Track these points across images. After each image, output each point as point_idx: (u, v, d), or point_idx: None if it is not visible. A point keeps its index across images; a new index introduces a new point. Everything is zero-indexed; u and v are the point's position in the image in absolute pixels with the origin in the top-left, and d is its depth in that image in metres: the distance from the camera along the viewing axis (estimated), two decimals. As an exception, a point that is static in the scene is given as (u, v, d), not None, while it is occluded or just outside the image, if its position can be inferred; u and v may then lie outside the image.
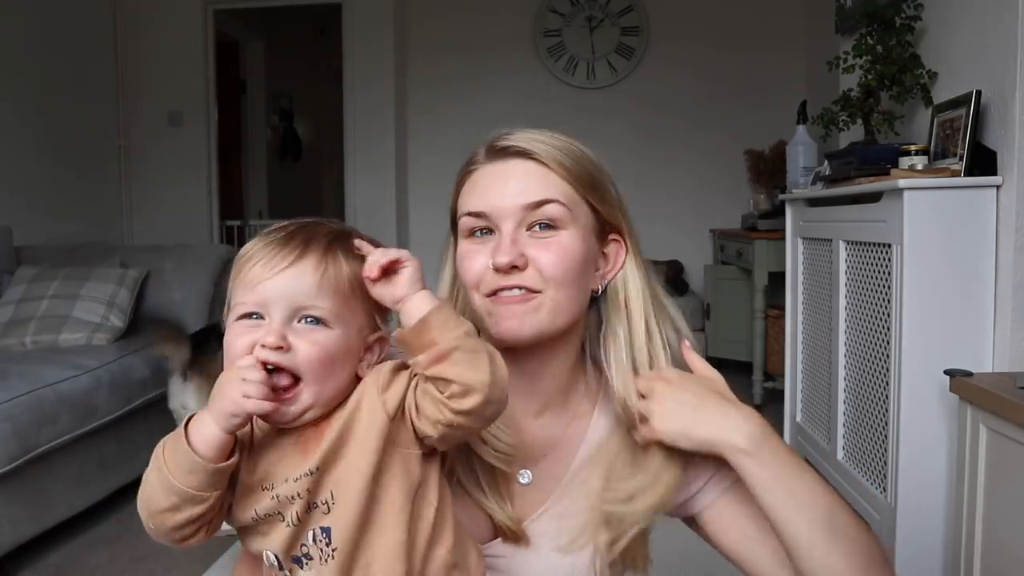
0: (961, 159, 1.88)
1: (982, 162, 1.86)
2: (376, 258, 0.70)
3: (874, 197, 2.02)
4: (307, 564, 0.68)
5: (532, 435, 0.86)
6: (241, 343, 0.68)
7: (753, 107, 4.39)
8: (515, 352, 0.81)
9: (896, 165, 2.02)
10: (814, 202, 2.56)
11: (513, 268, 0.78)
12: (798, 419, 2.72)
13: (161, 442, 0.69)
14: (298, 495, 0.67)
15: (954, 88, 2.07)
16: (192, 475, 0.65)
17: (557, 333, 0.82)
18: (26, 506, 1.98)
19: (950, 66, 2.14)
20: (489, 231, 0.82)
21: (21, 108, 3.50)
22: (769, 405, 3.41)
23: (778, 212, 3.39)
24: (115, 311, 2.63)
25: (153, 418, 2.56)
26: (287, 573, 0.69)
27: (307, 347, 0.68)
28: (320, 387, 0.68)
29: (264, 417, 0.67)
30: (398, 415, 0.69)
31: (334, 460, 0.68)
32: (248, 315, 0.69)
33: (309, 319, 0.69)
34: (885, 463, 1.97)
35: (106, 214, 4.24)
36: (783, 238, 2.84)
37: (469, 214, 0.83)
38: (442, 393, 0.66)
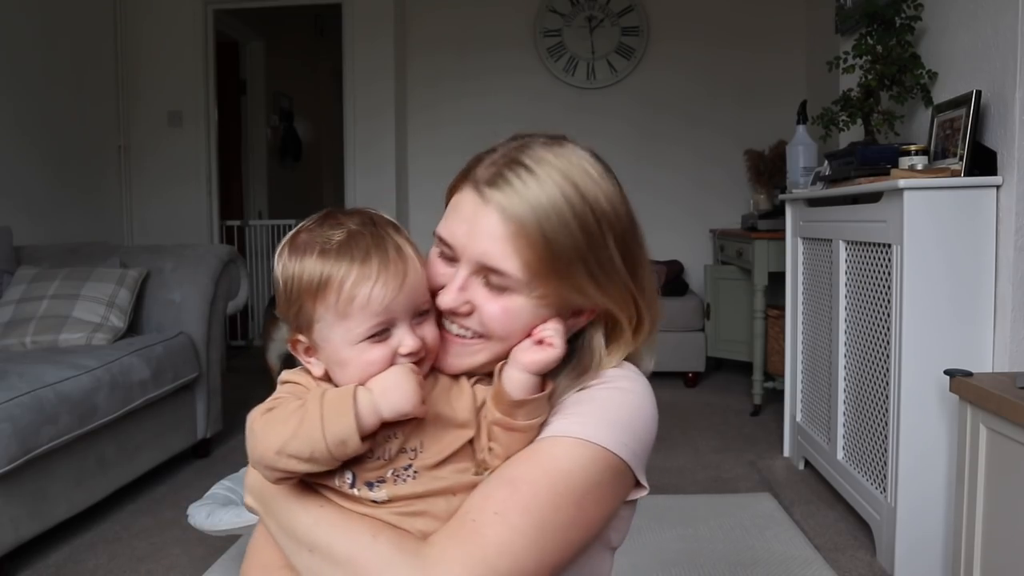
0: (961, 159, 1.88)
1: (982, 162, 1.86)
2: (538, 333, 0.75)
3: (874, 197, 2.02)
4: (378, 486, 0.73)
5: None
6: (380, 356, 0.73)
7: (753, 107, 4.40)
8: None
9: (896, 165, 2.02)
10: (814, 202, 2.56)
11: (452, 312, 0.77)
12: (798, 419, 2.72)
13: (318, 395, 0.70)
14: (395, 435, 0.73)
15: (954, 88, 2.07)
16: (343, 446, 0.68)
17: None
18: (26, 506, 1.98)
19: (950, 66, 2.14)
20: (452, 258, 0.78)
21: (21, 108, 3.51)
22: (769, 405, 3.41)
23: (778, 212, 3.39)
24: (115, 311, 2.63)
25: (153, 418, 2.56)
26: (357, 490, 0.73)
27: (432, 333, 0.76)
28: (435, 357, 0.77)
29: None
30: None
31: (432, 421, 0.74)
32: (377, 333, 0.73)
33: (423, 313, 0.76)
34: (885, 463, 1.97)
35: (106, 214, 4.24)
36: (783, 238, 2.84)
37: (438, 236, 0.79)
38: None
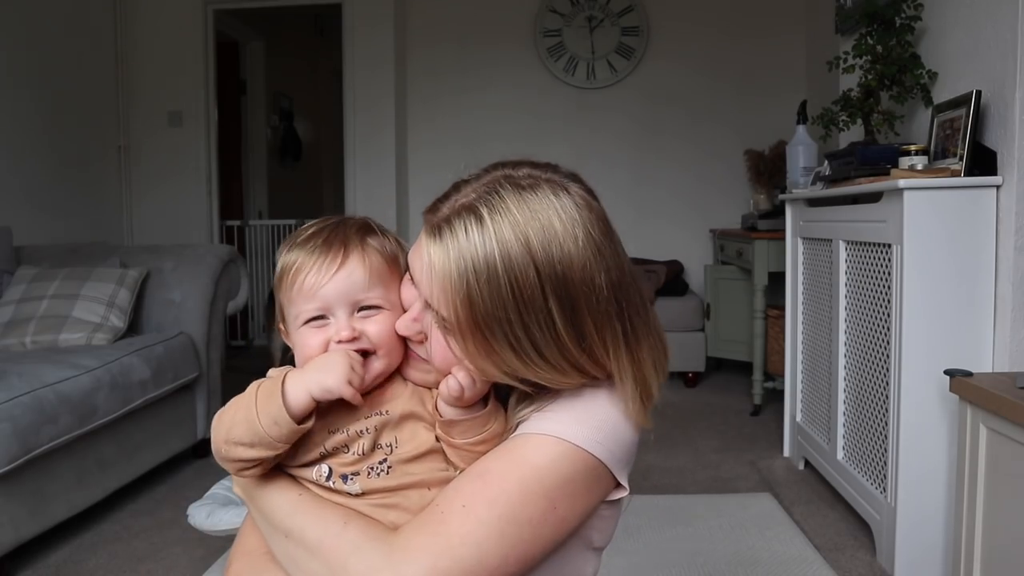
0: (961, 159, 1.88)
1: (982, 162, 1.86)
2: (467, 389, 0.75)
3: (874, 197, 2.02)
4: (352, 479, 0.76)
5: None
6: (315, 342, 0.78)
7: (753, 107, 4.40)
8: None
9: (896, 165, 2.02)
10: (814, 202, 2.56)
11: (408, 339, 0.82)
12: (798, 419, 2.72)
13: (257, 383, 0.76)
14: (367, 430, 0.76)
15: (954, 88, 2.07)
16: (276, 427, 0.72)
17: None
18: (26, 506, 1.98)
19: (950, 66, 2.14)
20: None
21: (21, 108, 3.51)
22: (769, 405, 3.41)
23: (778, 212, 3.39)
24: (115, 311, 2.63)
25: (153, 418, 2.56)
26: (332, 483, 0.76)
27: (374, 329, 0.78)
28: (389, 358, 0.79)
29: None
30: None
31: (405, 419, 0.78)
32: (314, 318, 0.79)
33: (368, 307, 0.79)
34: (885, 463, 1.97)
35: (106, 214, 4.24)
36: (783, 238, 2.84)
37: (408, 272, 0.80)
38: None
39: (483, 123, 4.48)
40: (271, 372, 0.80)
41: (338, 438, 0.76)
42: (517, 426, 0.76)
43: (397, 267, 0.82)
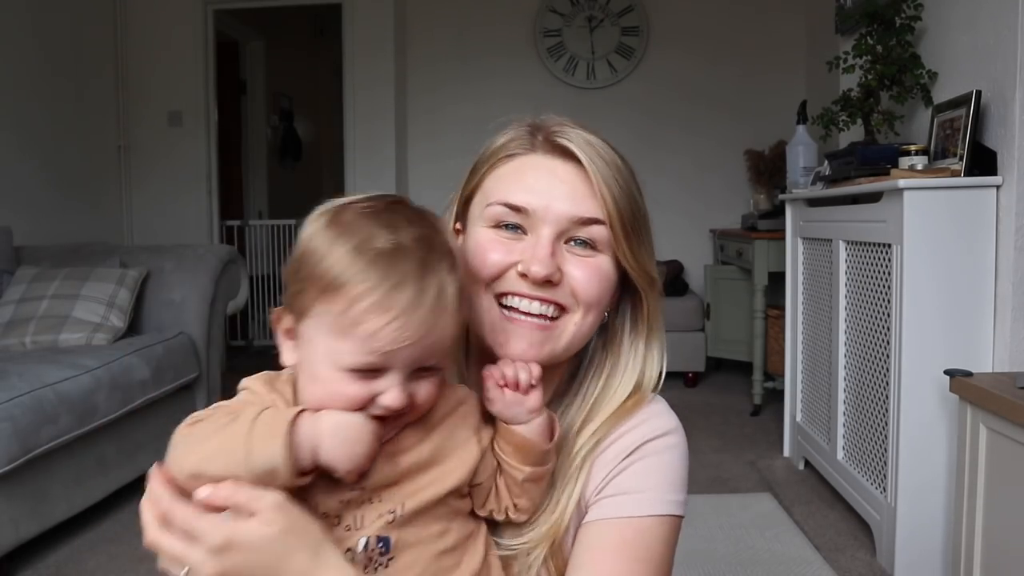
0: (961, 159, 1.88)
1: (982, 162, 1.86)
2: (524, 380, 0.70)
3: (874, 197, 2.02)
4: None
5: None
6: (354, 393, 0.61)
7: (753, 107, 4.40)
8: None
9: (896, 165, 2.02)
10: (814, 202, 2.56)
11: (547, 282, 0.71)
12: (798, 419, 2.72)
13: (256, 411, 0.60)
14: (362, 521, 0.65)
15: (954, 88, 2.07)
16: (270, 476, 0.58)
17: (564, 360, 0.78)
18: (26, 506, 1.98)
19: (950, 66, 2.14)
20: (518, 228, 0.74)
21: (21, 109, 3.50)
22: (769, 405, 3.41)
23: (778, 212, 3.39)
24: (115, 311, 2.63)
25: (153, 418, 2.56)
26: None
27: (425, 393, 0.65)
28: (421, 413, 0.67)
29: None
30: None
31: (419, 471, 0.67)
32: (363, 370, 0.61)
33: (427, 368, 0.64)
34: (885, 463, 1.97)
35: (106, 214, 4.24)
36: (783, 238, 2.84)
37: (506, 205, 0.73)
38: (513, 500, 0.72)
39: (482, 122, 4.44)
40: (247, 381, 0.67)
41: (358, 493, 0.64)
42: (577, 447, 0.76)
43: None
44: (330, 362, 0.61)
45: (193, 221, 4.47)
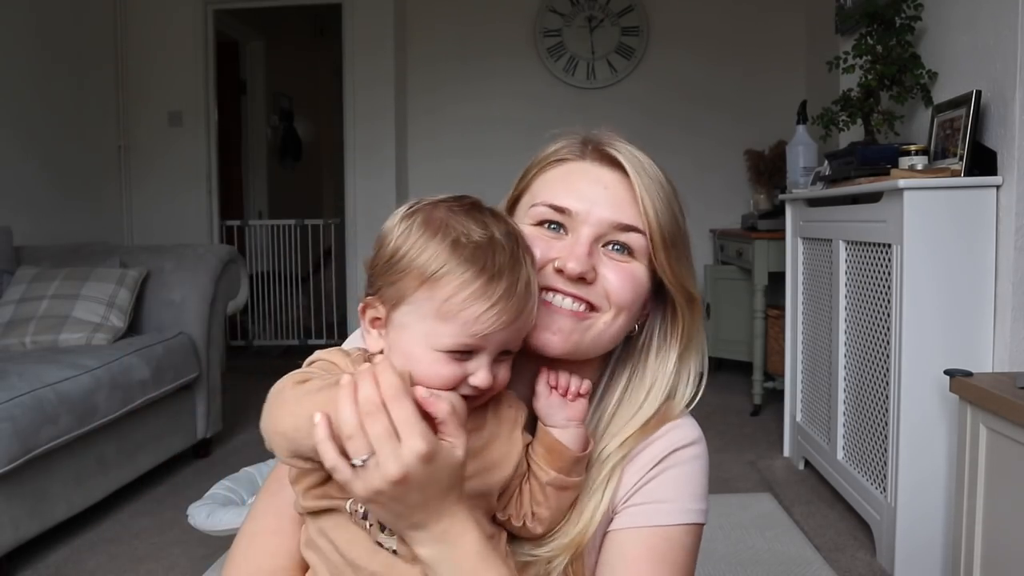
0: (961, 159, 1.88)
1: (982, 162, 1.86)
2: (574, 388, 0.74)
3: (874, 197, 2.02)
4: (390, 535, 0.68)
5: None
6: (448, 373, 0.66)
7: (753, 106, 4.40)
8: (530, 357, 0.75)
9: (896, 165, 2.02)
10: (814, 202, 2.56)
11: (580, 279, 0.74)
12: (798, 419, 2.72)
13: (319, 381, 0.64)
14: None
15: (954, 88, 2.07)
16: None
17: (585, 361, 0.80)
18: (26, 506, 1.98)
19: (950, 66, 2.14)
20: (560, 228, 0.77)
21: (21, 108, 3.50)
22: (769, 405, 3.41)
23: (778, 212, 3.39)
24: (115, 311, 2.63)
25: (153, 418, 2.56)
26: (368, 524, 0.68)
27: (503, 376, 0.70)
28: (495, 393, 0.72)
29: None
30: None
31: (472, 457, 0.69)
32: (458, 351, 0.67)
33: (506, 352, 0.70)
34: (885, 463, 1.97)
35: (106, 214, 4.24)
36: (783, 238, 2.84)
37: (551, 206, 0.77)
38: (535, 504, 0.74)
39: (482, 122, 4.47)
40: (318, 354, 0.72)
41: None
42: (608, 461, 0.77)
43: None
44: (428, 344, 0.66)
45: (193, 221, 4.47)
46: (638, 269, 0.78)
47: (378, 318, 0.70)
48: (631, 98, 4.49)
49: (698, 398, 0.84)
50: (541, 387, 0.75)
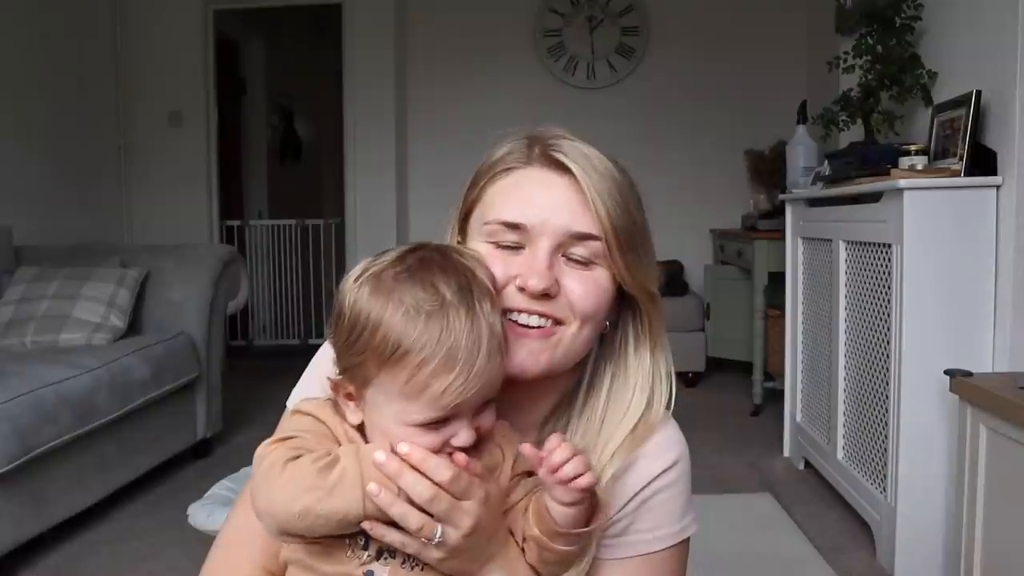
0: (961, 159, 1.88)
1: (982, 162, 1.86)
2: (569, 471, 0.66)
3: (874, 197, 2.02)
4: (387, 559, 0.68)
5: None
6: (428, 442, 0.66)
7: (753, 107, 4.39)
8: (508, 382, 0.73)
9: (896, 165, 2.02)
10: (814, 202, 2.56)
11: (544, 295, 0.72)
12: (798, 419, 2.72)
13: (354, 451, 0.66)
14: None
15: (954, 88, 2.07)
16: (344, 524, 0.64)
17: (563, 371, 0.78)
18: (26, 506, 1.98)
19: (950, 66, 2.14)
20: (516, 244, 0.75)
21: (21, 108, 3.50)
22: (769, 405, 3.41)
23: (778, 212, 3.39)
24: (115, 311, 2.63)
25: (153, 418, 2.56)
26: (364, 552, 0.68)
27: (488, 422, 0.70)
28: (483, 437, 0.71)
29: None
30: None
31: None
32: (433, 423, 0.66)
33: (487, 403, 0.70)
34: (885, 463, 1.97)
35: (106, 214, 4.24)
36: (783, 238, 2.84)
37: (504, 223, 0.74)
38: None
39: (483, 122, 4.44)
40: (302, 406, 0.73)
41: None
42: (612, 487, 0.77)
43: None
44: (399, 422, 0.66)
45: (193, 221, 4.47)
46: (600, 275, 0.76)
47: (350, 393, 0.70)
48: (631, 98, 4.49)
49: (673, 398, 0.82)
50: (530, 453, 0.68)
